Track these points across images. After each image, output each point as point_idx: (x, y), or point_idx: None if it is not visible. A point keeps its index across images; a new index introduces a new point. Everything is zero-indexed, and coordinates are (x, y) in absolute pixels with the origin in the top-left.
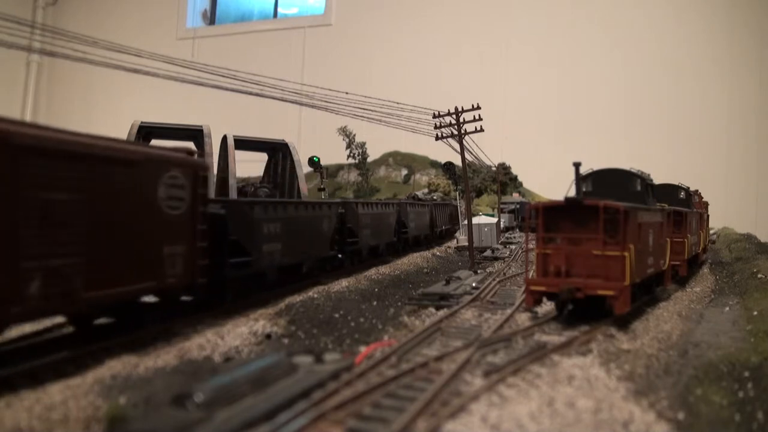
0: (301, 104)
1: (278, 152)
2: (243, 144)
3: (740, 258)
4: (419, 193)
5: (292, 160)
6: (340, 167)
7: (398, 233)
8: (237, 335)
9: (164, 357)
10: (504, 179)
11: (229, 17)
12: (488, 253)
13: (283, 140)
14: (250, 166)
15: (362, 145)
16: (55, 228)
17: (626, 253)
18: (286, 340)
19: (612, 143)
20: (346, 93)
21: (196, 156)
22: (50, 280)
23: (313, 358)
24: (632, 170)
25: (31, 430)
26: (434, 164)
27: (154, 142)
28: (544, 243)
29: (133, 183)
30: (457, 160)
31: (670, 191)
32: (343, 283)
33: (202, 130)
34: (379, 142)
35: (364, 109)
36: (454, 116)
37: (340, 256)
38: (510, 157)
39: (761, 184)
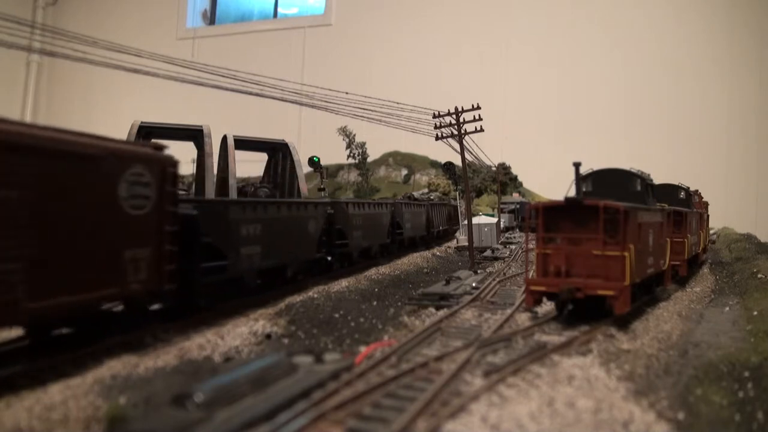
0: (301, 104)
1: (278, 152)
2: (243, 144)
3: (740, 258)
4: (416, 193)
5: (292, 160)
6: (340, 167)
7: (392, 234)
8: (237, 335)
9: (164, 357)
10: (504, 179)
11: (229, 17)
12: (488, 253)
13: (283, 140)
14: (250, 166)
15: (362, 145)
16: None
17: (626, 253)
18: (286, 340)
19: (612, 143)
20: (346, 93)
21: (163, 151)
22: None
23: (313, 358)
24: (632, 170)
25: (31, 430)
26: (434, 164)
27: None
28: (544, 243)
29: (88, 180)
30: (457, 160)
31: (670, 191)
32: (343, 283)
33: (202, 130)
34: (379, 142)
35: (364, 109)
36: (454, 116)
37: (329, 258)
38: (510, 157)
39: (761, 184)
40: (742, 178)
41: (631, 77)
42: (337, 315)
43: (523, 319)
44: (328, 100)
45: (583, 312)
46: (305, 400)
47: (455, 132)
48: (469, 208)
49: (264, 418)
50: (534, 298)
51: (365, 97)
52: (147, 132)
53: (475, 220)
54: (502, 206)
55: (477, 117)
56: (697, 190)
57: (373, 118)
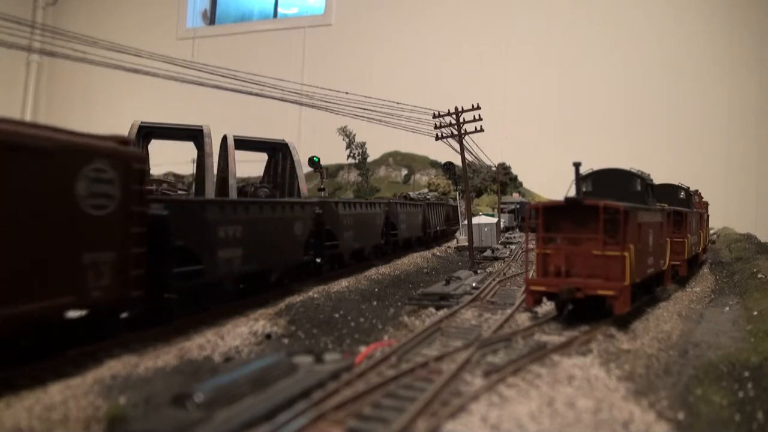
0: (301, 104)
1: (278, 152)
2: (243, 144)
3: (740, 258)
4: (412, 193)
5: (292, 160)
6: (340, 167)
7: (386, 235)
8: (237, 335)
9: (164, 357)
10: (504, 179)
11: (229, 17)
12: (488, 253)
13: (283, 140)
14: (250, 166)
15: (362, 145)
16: None
17: (626, 253)
18: (286, 340)
19: (612, 143)
20: (346, 93)
21: (130, 146)
22: None
23: (313, 358)
24: (632, 170)
25: (31, 430)
26: (434, 164)
27: (155, 142)
28: (544, 243)
29: (40, 176)
30: (457, 160)
31: (670, 191)
32: (343, 283)
33: (202, 130)
34: (379, 142)
35: (364, 109)
36: (454, 116)
37: (318, 260)
38: (510, 157)
39: (761, 184)
40: (742, 178)
41: (631, 77)
42: (337, 315)
43: (523, 319)
44: (328, 100)
45: (583, 312)
46: (305, 400)
47: (455, 132)
48: (469, 208)
49: (264, 418)
50: (534, 298)
51: (365, 97)
52: (147, 132)
53: (475, 220)
54: (502, 206)
55: (477, 117)
56: (697, 190)
57: (373, 118)
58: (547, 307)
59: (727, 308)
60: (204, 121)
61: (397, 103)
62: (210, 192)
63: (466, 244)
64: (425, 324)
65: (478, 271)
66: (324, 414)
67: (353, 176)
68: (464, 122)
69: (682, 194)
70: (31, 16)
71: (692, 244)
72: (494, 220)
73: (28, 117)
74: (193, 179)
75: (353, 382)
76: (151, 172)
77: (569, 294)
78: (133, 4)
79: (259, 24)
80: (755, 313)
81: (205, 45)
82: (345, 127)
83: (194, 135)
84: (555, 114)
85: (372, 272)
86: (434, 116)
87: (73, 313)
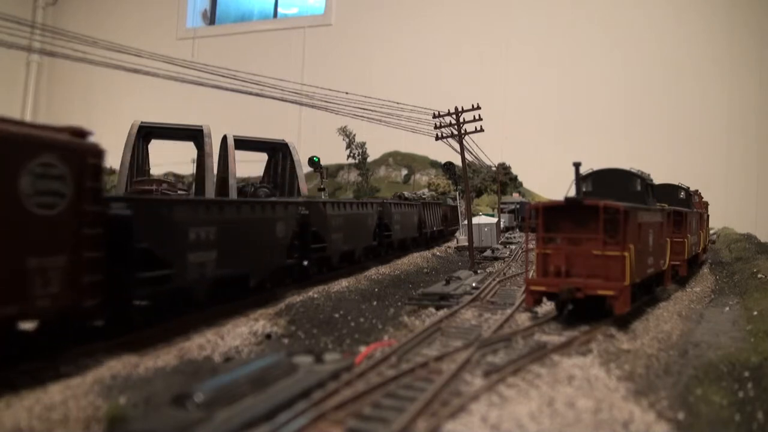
0: (301, 104)
1: (278, 152)
2: (243, 144)
3: (740, 258)
4: (406, 192)
5: (292, 160)
6: (340, 167)
7: (379, 236)
8: (237, 335)
9: (164, 357)
10: (504, 179)
11: (229, 17)
12: (488, 253)
13: (283, 140)
14: (250, 166)
15: (362, 145)
16: None
17: (626, 253)
18: (286, 340)
19: (612, 143)
20: (346, 93)
21: (86, 138)
22: None
23: (313, 358)
24: (632, 170)
25: (31, 430)
26: (434, 164)
27: (155, 142)
28: (544, 243)
29: None
30: (457, 160)
31: (670, 191)
32: (343, 283)
33: (202, 130)
34: (379, 142)
35: (364, 109)
36: (454, 116)
37: (305, 263)
38: (510, 157)
39: (761, 184)
40: (742, 178)
41: (631, 77)
42: (337, 315)
43: (523, 319)
44: (328, 100)
45: (583, 312)
46: (305, 400)
47: (455, 132)
48: (469, 208)
49: (264, 418)
50: (534, 298)
51: (365, 97)
52: (147, 132)
53: (475, 220)
54: (502, 206)
55: (477, 117)
56: (697, 190)
57: (373, 118)
58: (547, 307)
59: (727, 308)
60: (204, 121)
61: (397, 103)
62: (210, 192)
63: (466, 244)
64: (425, 324)
65: (478, 271)
66: (324, 414)
67: (353, 176)
68: (464, 122)
69: (682, 194)
70: (31, 16)
71: (692, 244)
72: (494, 220)
73: (28, 117)
74: (193, 179)
75: (353, 382)
76: (151, 172)
77: (569, 294)
78: (133, 4)
79: (259, 24)
80: (755, 313)
81: (205, 45)
82: (345, 127)
83: (194, 135)
84: (555, 114)
85: (372, 272)
86: (434, 116)
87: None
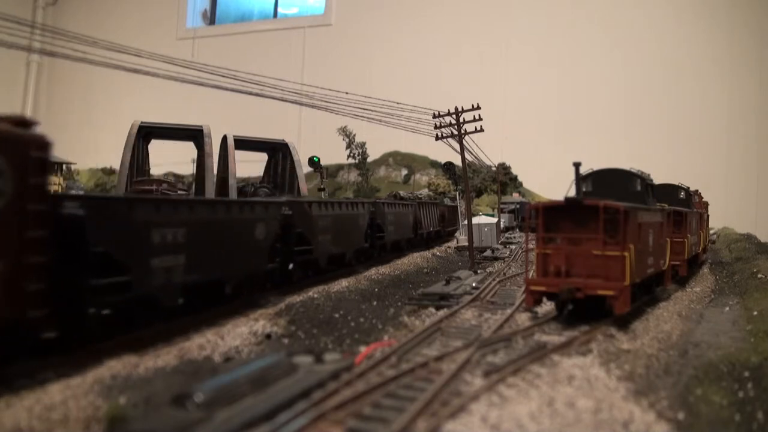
0: (301, 104)
1: (278, 152)
2: (243, 144)
3: (740, 258)
4: (402, 192)
5: (292, 160)
6: (340, 167)
7: (372, 238)
8: (237, 335)
9: (164, 357)
10: (504, 179)
11: (229, 17)
12: (488, 253)
13: (283, 140)
14: (250, 166)
15: (362, 145)
16: None
17: (626, 253)
18: (286, 340)
19: (612, 143)
20: (346, 93)
21: (31, 128)
22: None
23: (313, 358)
24: (632, 170)
25: (31, 430)
26: (434, 164)
27: (155, 142)
28: (544, 243)
29: None
30: (457, 160)
31: (670, 191)
32: (343, 283)
33: (202, 130)
34: (379, 142)
35: (364, 109)
36: (454, 116)
37: (290, 267)
38: (510, 157)
39: (761, 184)
40: (742, 178)
41: (631, 77)
42: (337, 315)
43: (523, 319)
44: (328, 100)
45: (583, 312)
46: (305, 400)
47: (455, 132)
48: (469, 208)
49: (264, 418)
50: (534, 298)
51: (365, 97)
52: (147, 132)
53: (475, 220)
54: (502, 206)
55: (477, 117)
56: (697, 190)
57: (373, 118)
58: (547, 307)
59: (727, 308)
60: (204, 121)
61: (397, 103)
62: (210, 192)
63: (466, 244)
64: (425, 324)
65: (478, 271)
66: (324, 414)
67: (353, 176)
68: (464, 122)
69: (682, 194)
70: (31, 16)
71: (692, 244)
72: (494, 220)
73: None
74: (193, 179)
75: (353, 382)
76: (151, 172)
77: (569, 294)
78: (133, 4)
79: (259, 24)
80: (755, 313)
81: (205, 45)
82: (345, 127)
83: (194, 135)
84: (555, 114)
85: (372, 272)
86: (434, 116)
87: None
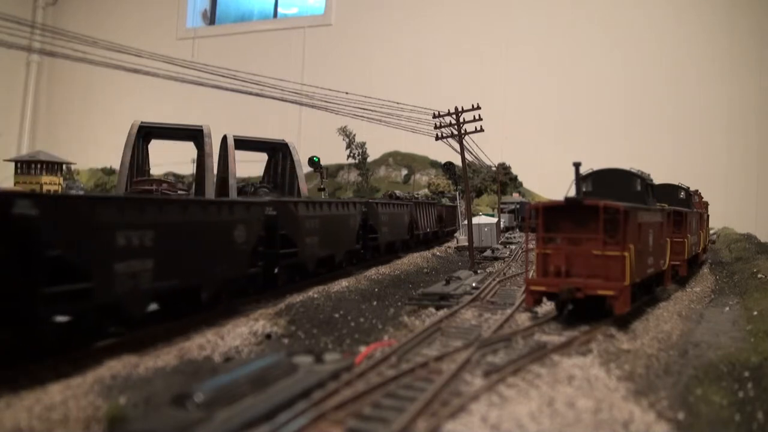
0: (301, 104)
1: (278, 152)
2: (243, 144)
3: (740, 258)
4: (397, 192)
5: (292, 160)
6: (340, 167)
7: (364, 239)
8: (237, 335)
9: (164, 357)
10: (504, 179)
11: (229, 17)
12: (488, 253)
13: (283, 140)
14: (250, 166)
15: (362, 145)
16: None
17: (626, 253)
18: (286, 340)
19: (612, 143)
20: (346, 93)
21: None
22: None
23: (313, 358)
24: (632, 170)
25: (31, 430)
26: (434, 164)
27: (155, 142)
28: (544, 243)
29: None
30: (457, 160)
31: (670, 191)
32: (343, 283)
33: (202, 130)
34: (379, 142)
35: (364, 109)
36: (454, 116)
37: (276, 270)
38: (510, 157)
39: (761, 184)
40: (742, 178)
41: (631, 77)
42: (337, 315)
43: (523, 319)
44: (328, 100)
45: (583, 312)
46: (305, 400)
47: (455, 132)
48: (469, 208)
49: (264, 418)
50: (534, 298)
51: (365, 97)
52: (147, 132)
53: (475, 220)
54: (502, 206)
55: (477, 117)
56: (697, 190)
57: (373, 118)
58: (547, 307)
59: (727, 308)
60: (204, 121)
61: (397, 103)
62: (210, 192)
63: (466, 244)
64: (425, 324)
65: (478, 271)
66: (324, 414)
67: (353, 176)
68: (464, 122)
69: (682, 194)
70: (31, 16)
71: (692, 244)
72: (494, 220)
73: (28, 117)
74: (193, 179)
75: (353, 382)
76: (151, 172)
77: (569, 294)
78: (133, 4)
79: (259, 24)
80: (755, 313)
81: (205, 45)
82: (345, 127)
83: (194, 135)
84: (555, 114)
85: (372, 272)
86: (434, 116)
87: None
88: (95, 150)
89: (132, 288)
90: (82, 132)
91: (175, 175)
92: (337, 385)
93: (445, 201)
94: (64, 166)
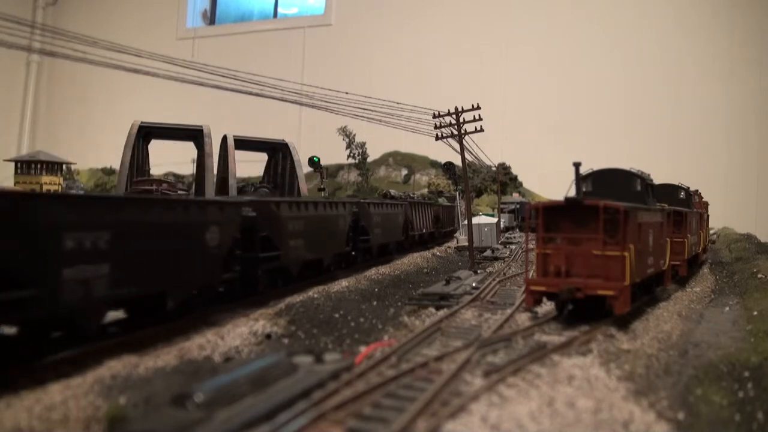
0: (301, 104)
1: (278, 152)
2: (243, 144)
3: (740, 258)
4: (392, 191)
5: (292, 160)
6: (340, 167)
7: (355, 241)
8: (237, 335)
9: (164, 357)
10: (504, 179)
11: (229, 17)
12: (488, 253)
13: (283, 140)
14: (250, 166)
15: (362, 145)
16: None
17: (626, 253)
18: (286, 340)
19: (612, 143)
20: (346, 93)
21: None
22: None
23: (313, 358)
24: (632, 170)
25: (31, 430)
26: (434, 164)
27: (155, 142)
28: (544, 243)
29: None
30: (457, 160)
31: (670, 191)
32: (343, 283)
33: (202, 130)
34: (379, 142)
35: (364, 109)
36: (454, 116)
37: (259, 274)
38: (510, 157)
39: (761, 184)
40: (742, 178)
41: (631, 77)
42: (337, 315)
43: (523, 319)
44: (328, 100)
45: (583, 312)
46: (305, 400)
47: (455, 132)
48: (469, 208)
49: (264, 418)
50: (534, 298)
51: (365, 97)
52: (147, 132)
53: (475, 220)
54: (502, 206)
55: (477, 117)
56: (697, 190)
57: (373, 118)
58: (547, 307)
59: (727, 308)
60: (204, 121)
61: (397, 103)
62: (210, 192)
63: (466, 244)
64: (425, 324)
65: (478, 271)
66: (324, 414)
67: (353, 176)
68: (464, 122)
69: (682, 194)
70: (31, 16)
71: (692, 244)
72: (494, 220)
73: (28, 117)
74: (193, 179)
75: (353, 382)
76: (151, 172)
77: (569, 294)
78: (133, 4)
79: (259, 24)
80: (755, 313)
81: (205, 45)
82: (345, 127)
83: (194, 135)
84: (555, 114)
85: (372, 272)
86: (434, 116)
87: None
88: (95, 150)
89: (83, 296)
90: (82, 132)
91: (175, 175)
92: (337, 385)
93: (442, 201)
94: (64, 166)
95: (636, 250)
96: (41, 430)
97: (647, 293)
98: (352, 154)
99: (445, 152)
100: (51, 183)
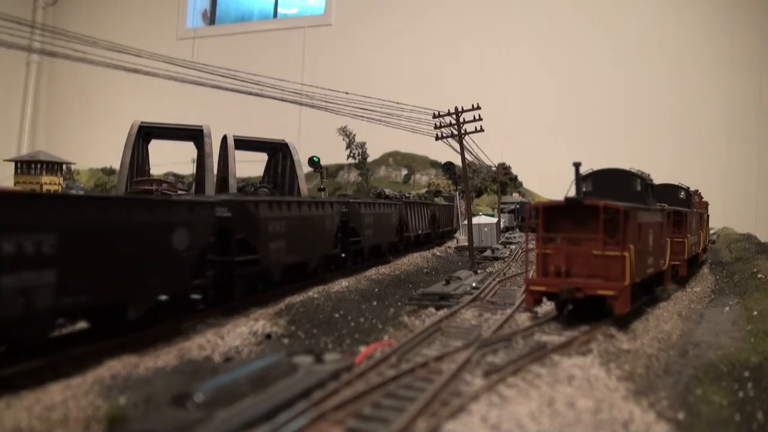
0: (301, 104)
1: (278, 152)
2: (243, 144)
3: (740, 258)
4: (386, 190)
5: (292, 160)
6: (340, 167)
7: (344, 243)
8: (237, 335)
9: (164, 357)
10: (504, 179)
11: (229, 17)
12: (488, 253)
13: (283, 140)
14: (250, 166)
15: (362, 145)
16: None
17: (626, 253)
18: (286, 340)
19: (612, 143)
20: (346, 93)
21: None
22: None
23: (313, 358)
24: (632, 170)
25: (31, 430)
26: (434, 164)
27: (155, 142)
28: (544, 243)
29: None
30: (457, 160)
31: (670, 191)
32: (343, 283)
33: (202, 130)
34: (379, 142)
35: (364, 109)
36: (454, 116)
37: (239, 279)
38: (510, 157)
39: (761, 184)
40: (742, 178)
41: (631, 77)
42: (337, 315)
43: (523, 319)
44: (328, 100)
45: (583, 312)
46: (305, 400)
47: (455, 132)
48: (469, 208)
49: (264, 418)
50: (534, 298)
51: (365, 97)
52: (147, 132)
53: (475, 220)
54: (502, 206)
55: (477, 117)
56: (697, 190)
57: (373, 118)
58: (547, 307)
59: (727, 308)
60: (204, 121)
61: (397, 103)
62: (210, 192)
63: (466, 244)
64: (425, 324)
65: (478, 271)
66: (324, 414)
67: (353, 176)
68: (464, 122)
69: (682, 194)
70: (31, 16)
71: (692, 244)
72: (494, 220)
73: (28, 117)
74: (193, 179)
75: (353, 382)
76: (151, 172)
77: (569, 294)
78: (133, 4)
79: (259, 24)
80: (755, 313)
81: (205, 45)
82: (345, 127)
83: (194, 135)
84: (555, 114)
85: (372, 272)
86: (434, 116)
87: None
88: (95, 150)
89: (23, 307)
90: (82, 132)
91: (175, 175)
92: (337, 385)
93: (439, 200)
94: (64, 166)
95: (636, 250)
96: (41, 430)
97: (647, 293)
98: (352, 154)
99: (445, 152)
100: (51, 183)
